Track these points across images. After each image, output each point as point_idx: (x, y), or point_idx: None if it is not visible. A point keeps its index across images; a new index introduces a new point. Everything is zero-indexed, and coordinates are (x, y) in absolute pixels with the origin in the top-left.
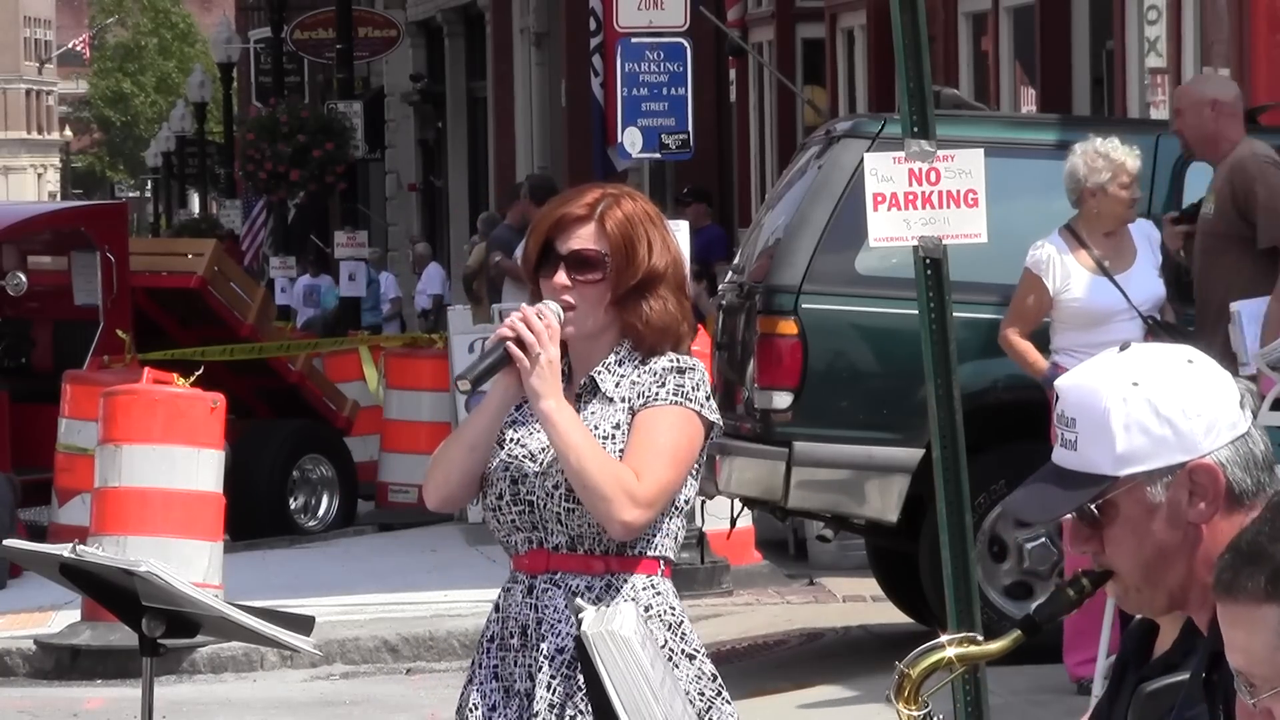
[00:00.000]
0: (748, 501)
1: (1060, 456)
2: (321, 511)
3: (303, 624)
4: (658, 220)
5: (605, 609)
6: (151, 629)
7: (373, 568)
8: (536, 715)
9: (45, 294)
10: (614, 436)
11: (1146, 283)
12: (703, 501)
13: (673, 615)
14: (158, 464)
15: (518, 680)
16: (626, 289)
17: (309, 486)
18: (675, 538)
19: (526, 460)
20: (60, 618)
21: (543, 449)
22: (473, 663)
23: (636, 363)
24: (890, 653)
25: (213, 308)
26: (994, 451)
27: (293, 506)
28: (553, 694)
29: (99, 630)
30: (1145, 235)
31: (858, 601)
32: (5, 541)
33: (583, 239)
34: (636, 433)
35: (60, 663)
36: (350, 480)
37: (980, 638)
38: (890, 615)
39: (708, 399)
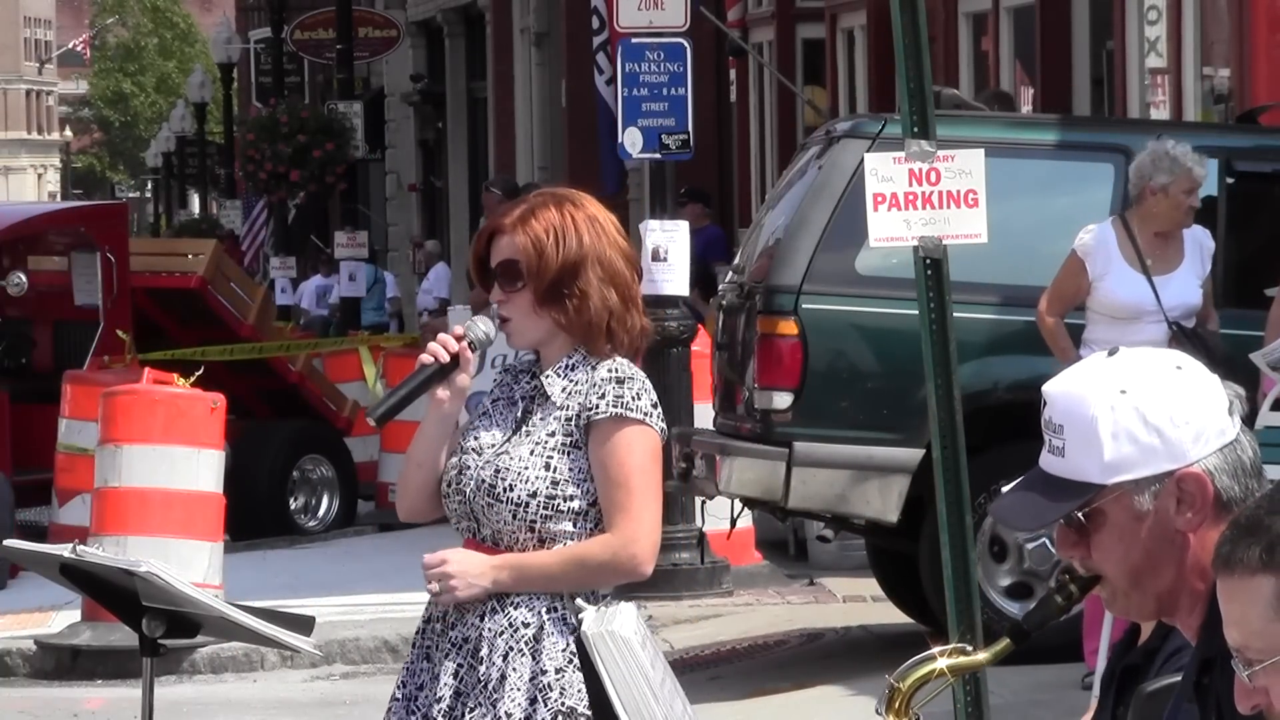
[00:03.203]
0: (748, 501)
1: (1048, 462)
2: (321, 511)
3: (303, 624)
4: (581, 220)
5: (605, 609)
6: (152, 629)
7: (373, 568)
8: (441, 700)
9: (45, 294)
10: (546, 443)
11: (1183, 289)
12: (703, 502)
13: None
14: (158, 464)
15: None
16: (544, 289)
17: (309, 486)
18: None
19: (473, 454)
20: (60, 618)
21: (492, 445)
22: (412, 642)
23: (589, 368)
24: (890, 653)
25: (213, 308)
26: (995, 451)
27: (293, 506)
28: (459, 681)
29: (99, 630)
30: (1198, 243)
31: (858, 601)
32: (5, 541)
33: (501, 250)
34: (600, 470)
35: (60, 663)
36: (350, 480)
37: (970, 648)
38: (890, 615)
39: (654, 406)
